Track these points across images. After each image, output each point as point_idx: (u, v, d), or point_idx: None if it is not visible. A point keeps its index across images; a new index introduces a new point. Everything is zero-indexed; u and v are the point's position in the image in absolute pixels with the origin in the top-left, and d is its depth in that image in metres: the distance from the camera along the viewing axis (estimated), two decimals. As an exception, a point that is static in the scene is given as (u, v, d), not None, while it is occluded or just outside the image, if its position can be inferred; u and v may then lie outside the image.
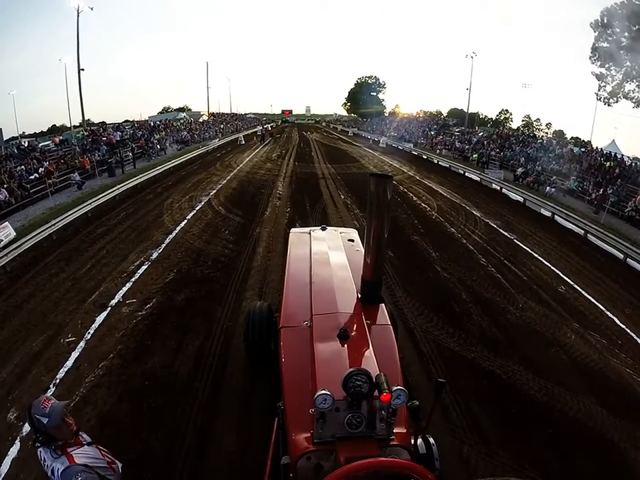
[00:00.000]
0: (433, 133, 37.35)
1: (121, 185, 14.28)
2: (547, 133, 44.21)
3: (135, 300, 6.66)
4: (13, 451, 3.80)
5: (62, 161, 17.68)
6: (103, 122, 32.17)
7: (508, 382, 5.02)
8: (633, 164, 18.96)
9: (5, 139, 21.54)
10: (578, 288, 8.00)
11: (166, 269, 7.87)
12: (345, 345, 3.01)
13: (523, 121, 49.25)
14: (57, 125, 41.22)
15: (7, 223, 10.19)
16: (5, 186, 12.76)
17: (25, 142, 21.43)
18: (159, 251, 8.80)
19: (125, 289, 7.04)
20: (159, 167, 18.41)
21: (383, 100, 66.81)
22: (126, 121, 35.97)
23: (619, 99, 27.09)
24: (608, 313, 7.10)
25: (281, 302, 4.00)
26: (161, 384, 4.71)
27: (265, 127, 46.82)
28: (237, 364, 5.03)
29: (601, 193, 15.72)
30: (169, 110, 60.59)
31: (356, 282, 3.99)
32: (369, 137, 39.90)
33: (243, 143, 33.28)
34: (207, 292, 6.95)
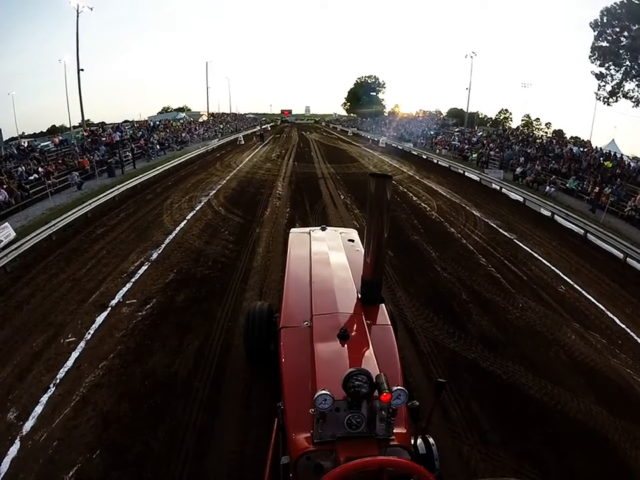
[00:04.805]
0: (432, 132, 37.36)
1: (121, 185, 14.28)
2: (546, 133, 44.30)
3: (135, 300, 6.66)
4: (13, 450, 3.81)
5: (61, 161, 17.67)
6: (103, 122, 32.21)
7: (508, 382, 5.02)
8: (632, 163, 18.96)
9: (4, 140, 21.57)
10: (578, 288, 8.00)
11: (166, 269, 7.87)
12: (345, 345, 3.00)
13: (522, 120, 49.42)
14: (57, 125, 41.38)
15: (6, 223, 10.19)
16: (5, 186, 12.76)
17: (24, 142, 21.45)
18: (159, 251, 8.80)
19: (125, 289, 7.04)
20: (158, 167, 18.41)
21: (383, 100, 67.03)
22: (125, 121, 36.00)
23: (619, 99, 27.13)
24: (608, 312, 7.10)
25: (281, 302, 4.00)
26: (161, 384, 4.72)
27: (263, 127, 46.96)
28: (236, 364, 5.03)
29: (597, 191, 15.73)
30: (169, 110, 60.72)
31: (356, 282, 3.99)
32: (369, 137, 39.91)
33: (243, 143, 33.29)
34: (207, 292, 6.95)
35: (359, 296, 3.82)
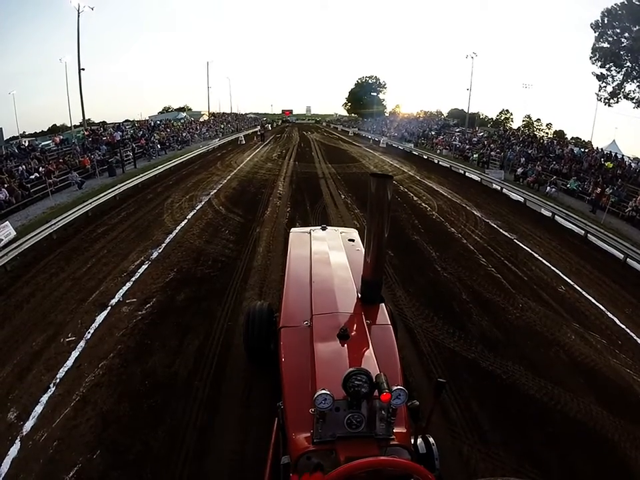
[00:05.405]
0: (433, 133, 37.35)
1: (122, 184, 14.28)
2: (547, 133, 44.29)
3: (135, 299, 6.66)
4: (13, 450, 3.81)
5: (61, 160, 17.67)
6: (104, 122, 32.26)
7: (508, 382, 5.02)
8: (633, 164, 18.94)
9: (5, 139, 21.51)
10: (578, 288, 8.00)
11: (166, 269, 7.87)
12: (345, 345, 3.00)
13: (523, 121, 49.33)
14: (58, 125, 41.40)
15: (7, 222, 10.20)
16: (6, 185, 12.77)
17: (25, 141, 21.45)
18: (159, 251, 8.80)
19: (125, 288, 7.04)
20: (159, 167, 18.42)
21: (384, 100, 67.07)
22: (126, 121, 36.04)
23: (620, 99, 27.09)
24: (608, 313, 7.09)
25: (281, 302, 4.00)
26: (161, 383, 4.72)
27: (265, 126, 47.06)
28: (236, 364, 5.03)
29: (598, 191, 15.73)
30: (170, 110, 60.72)
31: (356, 282, 3.99)
32: (370, 137, 39.92)
33: (244, 142, 33.30)
34: (207, 291, 6.95)
35: (359, 296, 3.82)
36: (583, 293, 7.82)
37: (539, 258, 9.49)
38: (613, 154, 20.87)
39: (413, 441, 2.46)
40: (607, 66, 26.76)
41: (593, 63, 27.41)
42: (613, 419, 4.53)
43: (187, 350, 5.34)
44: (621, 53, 25.70)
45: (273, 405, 3.11)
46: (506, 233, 11.19)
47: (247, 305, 5.82)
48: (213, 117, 50.60)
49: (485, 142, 28.57)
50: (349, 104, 70.99)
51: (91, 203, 11.85)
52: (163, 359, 5.14)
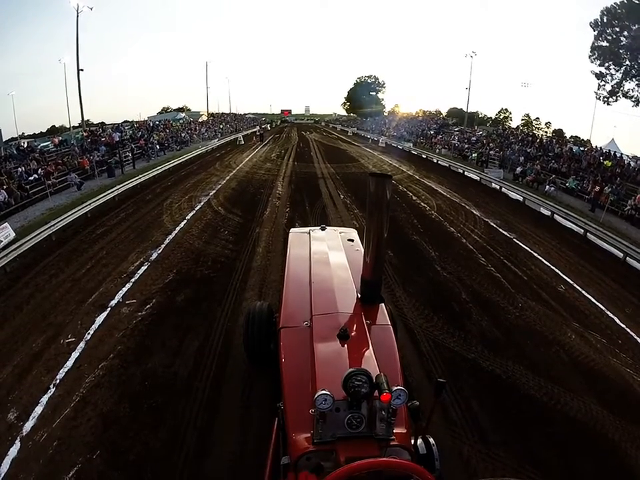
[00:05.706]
0: (432, 132, 37.37)
1: (121, 185, 14.27)
2: (546, 132, 44.34)
3: (134, 300, 6.65)
4: (13, 451, 3.81)
5: (60, 161, 17.65)
6: (102, 122, 32.23)
7: (508, 382, 5.02)
8: (632, 163, 18.96)
9: (4, 140, 21.51)
10: (578, 287, 8.00)
11: (165, 270, 7.87)
12: (345, 345, 3.01)
13: (522, 120, 49.45)
14: (57, 126, 41.41)
15: (6, 223, 10.19)
16: (5, 187, 12.75)
17: (24, 143, 21.42)
18: (159, 252, 8.79)
19: (124, 289, 7.03)
20: (158, 167, 18.41)
21: (382, 99, 67.11)
22: (125, 121, 35.98)
23: (619, 98, 27.14)
24: (608, 312, 7.10)
25: (281, 302, 4.00)
26: (161, 384, 4.72)
27: (263, 127, 47.14)
28: (236, 364, 5.03)
29: (597, 190, 15.75)
30: (168, 110, 60.64)
31: (356, 282, 3.99)
32: (369, 137, 39.97)
33: (242, 143, 33.30)
34: (207, 292, 6.95)
35: (359, 296, 3.82)
36: (583, 292, 7.82)
37: (539, 257, 9.50)
38: (612, 152, 20.89)
39: (413, 441, 2.46)
40: (606, 64, 26.82)
41: (592, 62, 27.50)
42: (613, 418, 4.53)
43: (186, 350, 5.34)
44: (620, 51, 25.75)
45: (273, 405, 3.11)
46: (505, 232, 11.19)
47: (247, 306, 5.82)
48: (211, 117, 50.57)
49: (484, 141, 28.58)
50: (348, 103, 71.00)
51: (90, 204, 11.85)
52: (162, 360, 5.13)
